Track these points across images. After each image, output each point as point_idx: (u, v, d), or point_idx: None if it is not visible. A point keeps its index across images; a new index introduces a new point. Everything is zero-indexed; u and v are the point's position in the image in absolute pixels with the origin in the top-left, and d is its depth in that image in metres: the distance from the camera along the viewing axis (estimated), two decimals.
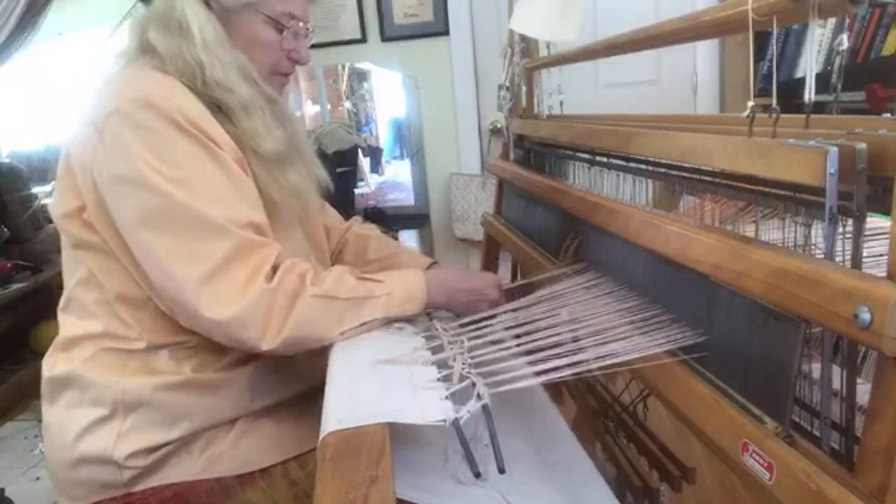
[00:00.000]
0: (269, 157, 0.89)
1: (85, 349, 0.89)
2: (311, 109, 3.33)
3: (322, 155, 2.95)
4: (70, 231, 0.88)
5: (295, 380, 0.94)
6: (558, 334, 0.72)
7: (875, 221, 0.50)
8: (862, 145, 0.45)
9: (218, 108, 0.86)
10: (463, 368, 0.68)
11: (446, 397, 0.64)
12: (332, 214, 1.23)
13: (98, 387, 0.86)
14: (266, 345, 0.79)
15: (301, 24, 0.94)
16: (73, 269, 0.90)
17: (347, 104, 3.37)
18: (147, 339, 0.87)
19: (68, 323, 0.92)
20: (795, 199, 0.55)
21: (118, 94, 0.83)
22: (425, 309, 0.91)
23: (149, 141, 0.79)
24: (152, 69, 0.86)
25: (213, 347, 0.86)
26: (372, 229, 1.23)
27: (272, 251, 0.83)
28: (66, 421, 0.88)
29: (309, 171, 1.00)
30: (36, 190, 2.82)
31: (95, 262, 0.87)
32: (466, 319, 0.87)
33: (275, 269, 0.81)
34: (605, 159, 0.95)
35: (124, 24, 0.91)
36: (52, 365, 0.91)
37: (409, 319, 0.91)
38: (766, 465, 0.49)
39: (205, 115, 0.83)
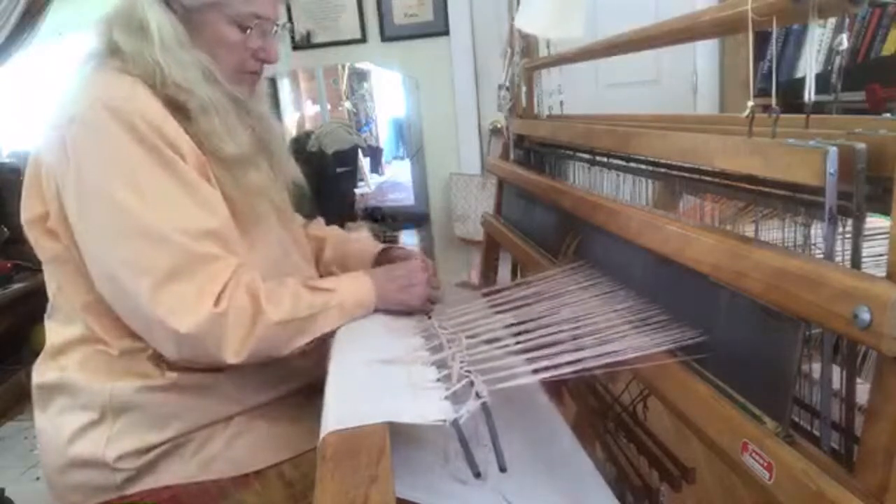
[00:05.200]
0: (228, 159, 0.88)
1: (71, 355, 0.89)
2: (311, 109, 3.33)
3: (322, 155, 2.96)
4: (35, 239, 0.88)
5: (285, 379, 0.94)
6: (558, 333, 0.72)
7: (875, 221, 0.50)
8: (861, 145, 0.45)
9: (178, 110, 0.85)
10: (462, 367, 0.68)
11: (446, 397, 0.64)
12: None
13: (87, 392, 0.86)
14: (230, 359, 0.80)
15: (268, 23, 0.92)
16: (49, 277, 0.91)
17: (347, 104, 3.37)
18: (117, 345, 0.86)
19: (53, 330, 0.92)
20: (795, 199, 0.55)
21: (80, 99, 0.83)
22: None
23: (106, 149, 0.79)
24: (117, 71, 0.85)
25: None
26: (325, 229, 1.24)
27: (223, 267, 0.81)
28: (57, 426, 0.88)
29: (277, 171, 1.00)
30: None
31: (61, 271, 0.88)
32: (465, 318, 0.86)
33: (223, 289, 0.80)
34: (605, 159, 0.95)
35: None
36: (42, 373, 0.91)
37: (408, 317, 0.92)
38: (765, 465, 0.49)
39: (166, 117, 0.83)
